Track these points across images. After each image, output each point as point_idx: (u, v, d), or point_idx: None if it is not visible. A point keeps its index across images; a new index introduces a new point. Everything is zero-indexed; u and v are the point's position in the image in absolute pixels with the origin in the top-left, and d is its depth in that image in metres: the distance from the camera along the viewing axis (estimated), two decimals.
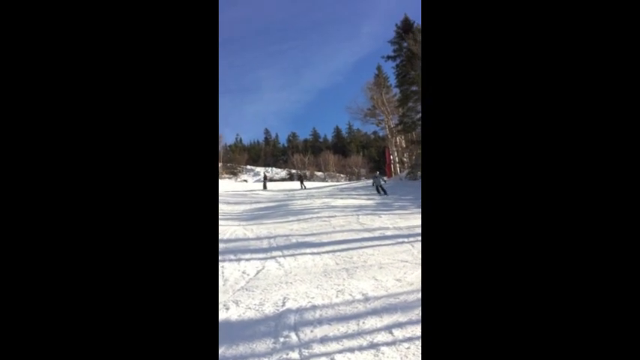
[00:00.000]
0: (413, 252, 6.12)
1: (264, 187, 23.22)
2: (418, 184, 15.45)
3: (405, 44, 21.43)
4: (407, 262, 5.62)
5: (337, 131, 58.88)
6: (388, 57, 23.11)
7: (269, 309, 4.13)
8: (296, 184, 26.02)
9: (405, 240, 6.82)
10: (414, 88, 20.84)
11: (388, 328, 3.41)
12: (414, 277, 4.83)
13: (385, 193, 13.52)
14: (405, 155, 24.80)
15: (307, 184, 25.44)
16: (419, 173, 17.01)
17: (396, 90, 25.54)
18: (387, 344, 3.13)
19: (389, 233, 7.52)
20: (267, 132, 60.73)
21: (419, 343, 3.07)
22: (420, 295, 4.14)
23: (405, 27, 22.12)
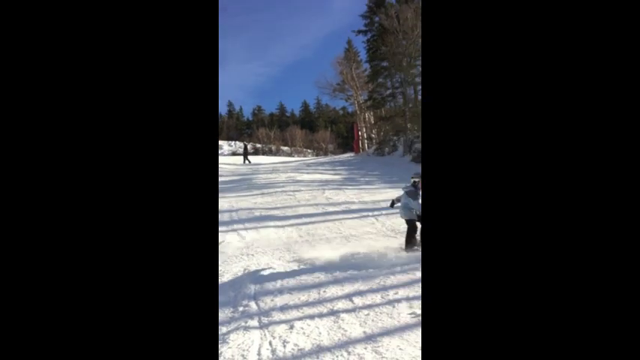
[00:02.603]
0: (376, 225, 6.19)
1: (246, 159, 17.39)
2: (385, 160, 15.63)
3: (377, 18, 21.14)
4: (371, 234, 5.70)
5: (305, 106, 58.01)
6: (359, 31, 22.71)
7: (229, 280, 4.05)
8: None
9: (370, 214, 6.88)
10: (385, 63, 20.68)
11: (349, 297, 3.41)
12: (376, 248, 4.87)
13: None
14: (374, 131, 24.92)
15: (273, 159, 22.73)
16: (386, 149, 17.15)
17: (366, 65, 25.37)
18: (347, 311, 3.14)
19: (354, 207, 7.58)
20: (230, 104, 58.31)
21: (378, 310, 3.10)
22: (382, 264, 4.17)
23: (377, 1, 21.81)
